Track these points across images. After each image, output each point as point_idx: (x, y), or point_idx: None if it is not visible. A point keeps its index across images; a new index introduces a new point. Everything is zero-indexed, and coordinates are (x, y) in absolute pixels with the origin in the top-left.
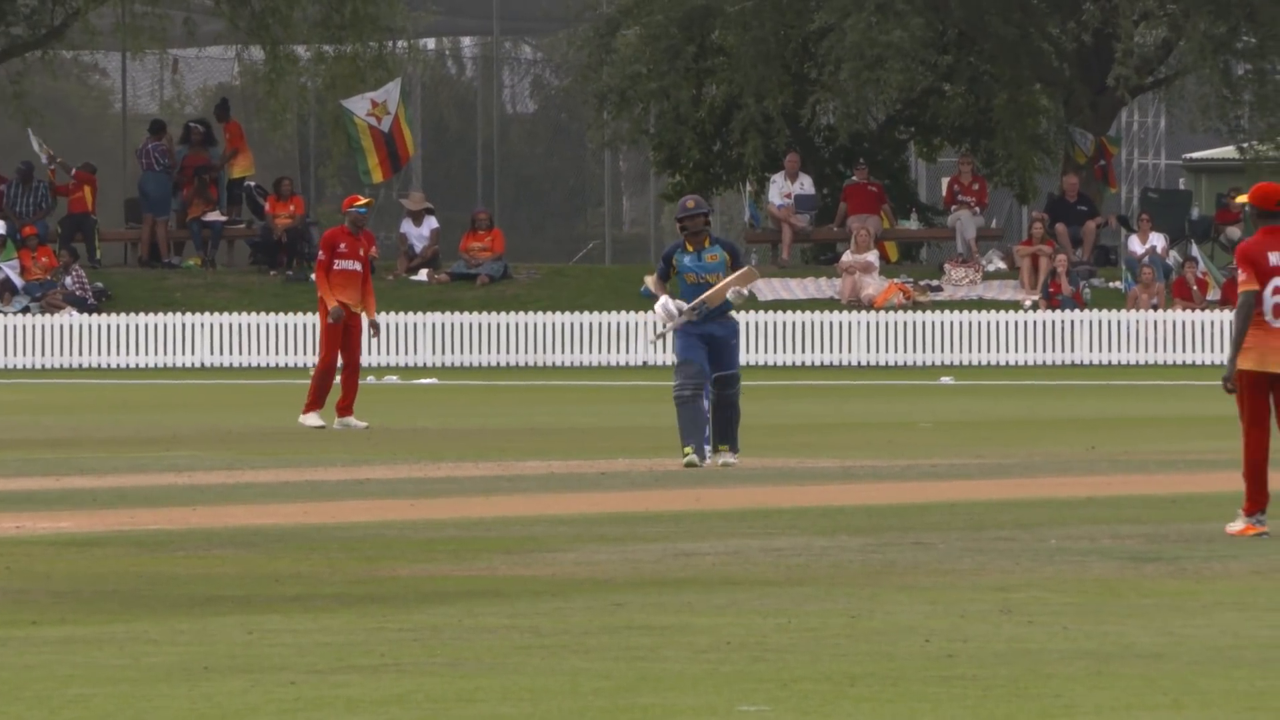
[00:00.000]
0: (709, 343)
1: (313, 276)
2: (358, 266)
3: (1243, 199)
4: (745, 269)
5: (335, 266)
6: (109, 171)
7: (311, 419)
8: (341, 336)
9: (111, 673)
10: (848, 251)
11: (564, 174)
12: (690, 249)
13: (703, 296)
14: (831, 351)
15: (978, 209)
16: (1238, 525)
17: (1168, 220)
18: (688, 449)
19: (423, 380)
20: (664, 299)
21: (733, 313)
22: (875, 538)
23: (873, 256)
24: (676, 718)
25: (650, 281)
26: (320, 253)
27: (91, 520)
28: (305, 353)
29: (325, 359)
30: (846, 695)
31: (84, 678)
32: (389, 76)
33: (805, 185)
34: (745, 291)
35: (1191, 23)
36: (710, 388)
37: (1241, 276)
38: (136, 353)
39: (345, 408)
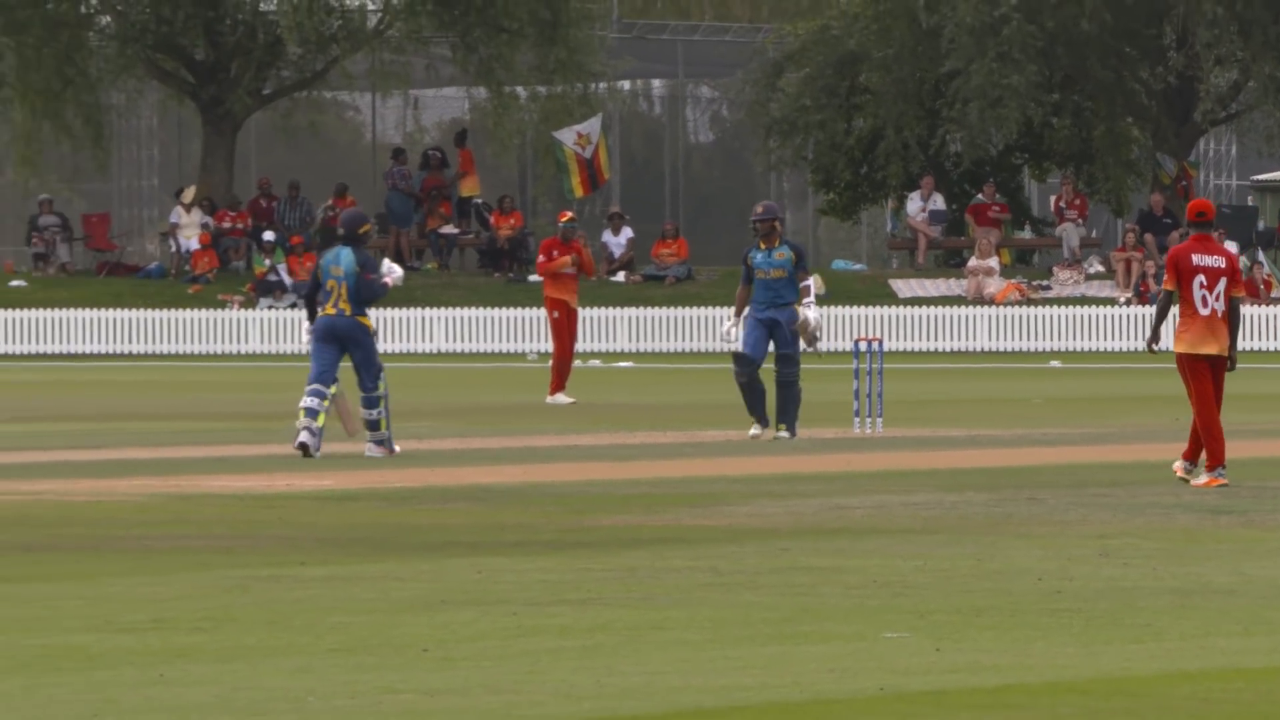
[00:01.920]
0: (770, 326)
1: (530, 277)
2: (571, 269)
3: None
4: (801, 319)
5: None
6: (361, 191)
7: (560, 398)
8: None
9: (365, 604)
10: (973, 257)
11: (737, 192)
12: (763, 247)
13: (805, 333)
14: (959, 340)
15: (1080, 221)
16: (1202, 479)
17: (1238, 231)
18: (754, 421)
19: (620, 364)
20: (726, 326)
21: (802, 308)
22: (995, 494)
23: (993, 261)
24: (832, 642)
25: (738, 292)
26: (540, 255)
27: (348, 479)
28: (524, 341)
29: (559, 348)
30: (973, 624)
31: (342, 609)
32: (591, 112)
33: (937, 202)
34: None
35: (1258, 66)
36: (775, 367)
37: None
38: (385, 340)
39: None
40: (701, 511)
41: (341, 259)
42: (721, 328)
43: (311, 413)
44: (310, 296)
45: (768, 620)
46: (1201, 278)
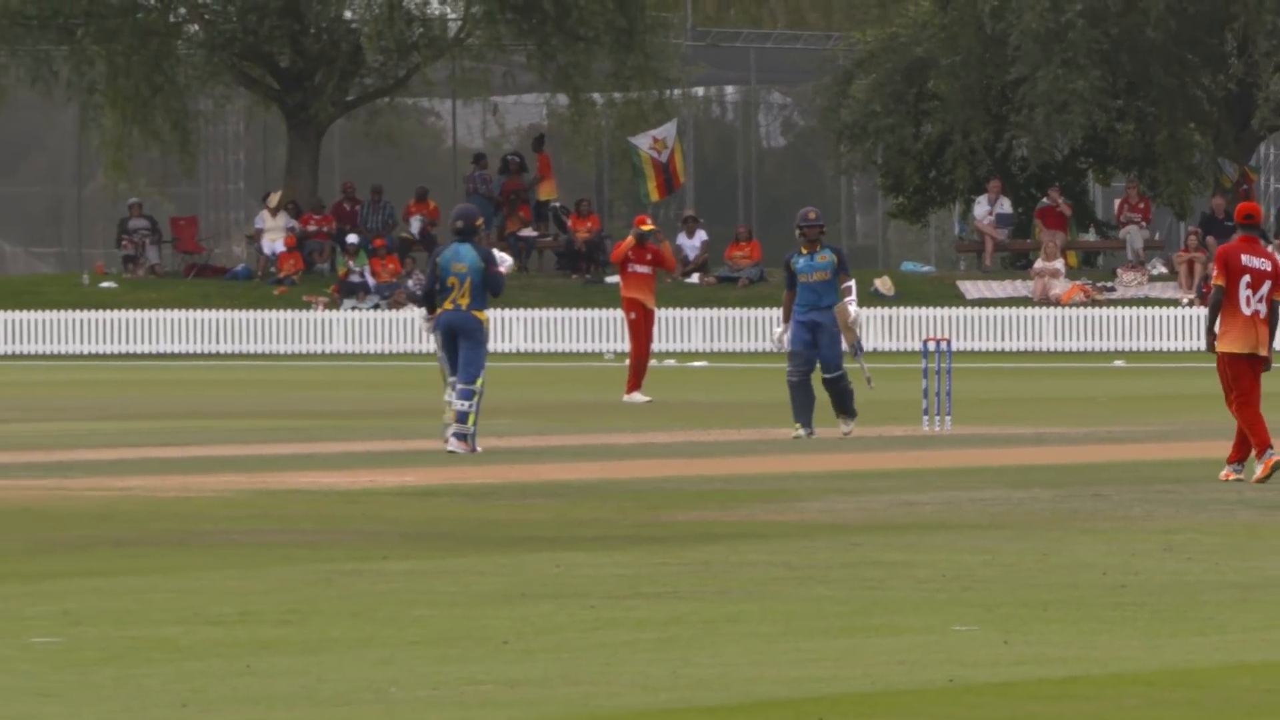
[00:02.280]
0: (813, 330)
1: (608, 278)
2: (647, 270)
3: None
4: (840, 306)
5: (629, 270)
6: (441, 195)
7: (636, 397)
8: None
9: (447, 598)
10: (1039, 259)
11: (808, 196)
12: (805, 252)
13: (846, 327)
14: (1025, 340)
15: (1144, 224)
16: (1257, 469)
17: None
18: (797, 425)
19: (695, 363)
20: (777, 332)
21: (845, 306)
22: (1062, 490)
23: (1059, 263)
24: (902, 635)
25: (785, 299)
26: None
27: (429, 475)
28: (600, 340)
29: (636, 348)
30: (1039, 618)
31: (425, 602)
32: (666, 117)
33: (1004, 205)
34: (852, 315)
35: None
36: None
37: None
38: None
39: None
40: (775, 507)
41: (463, 255)
42: (773, 333)
43: (462, 415)
44: (429, 293)
45: (839, 613)
46: (1248, 278)
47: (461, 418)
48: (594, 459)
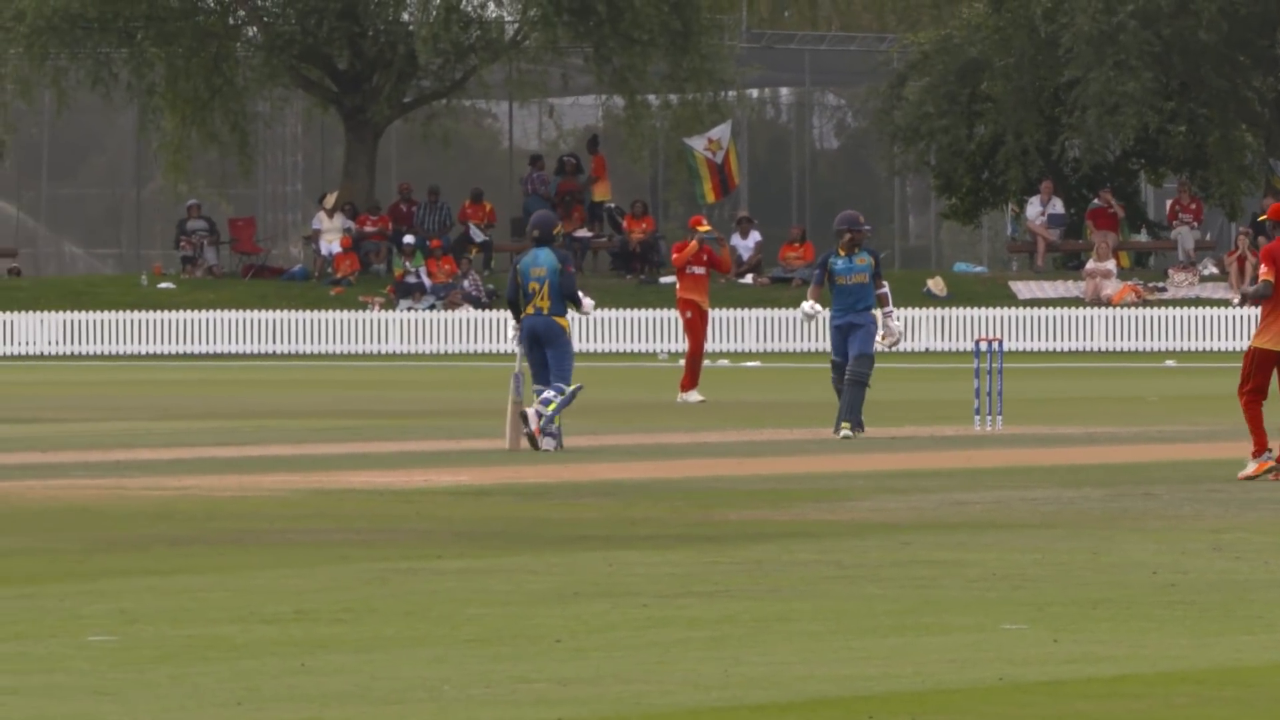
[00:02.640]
0: (847, 331)
1: (662, 279)
2: (703, 271)
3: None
4: (885, 331)
5: (685, 271)
6: (498, 197)
7: (691, 396)
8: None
9: (500, 596)
10: (1092, 259)
11: (861, 197)
12: (843, 254)
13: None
14: (1077, 340)
15: (1195, 225)
16: (1250, 467)
17: None
18: (846, 423)
19: (748, 363)
20: (805, 304)
21: (888, 319)
22: (1112, 489)
23: (1110, 264)
24: (952, 634)
25: (810, 291)
26: (674, 254)
27: (483, 474)
28: (655, 341)
29: (693, 346)
30: (1089, 616)
31: (478, 600)
32: (721, 119)
33: (1056, 206)
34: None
35: None
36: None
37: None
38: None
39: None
40: (826, 506)
41: (541, 259)
42: (804, 306)
43: (548, 415)
44: (514, 301)
45: (890, 612)
46: None
47: (547, 419)
48: (647, 458)
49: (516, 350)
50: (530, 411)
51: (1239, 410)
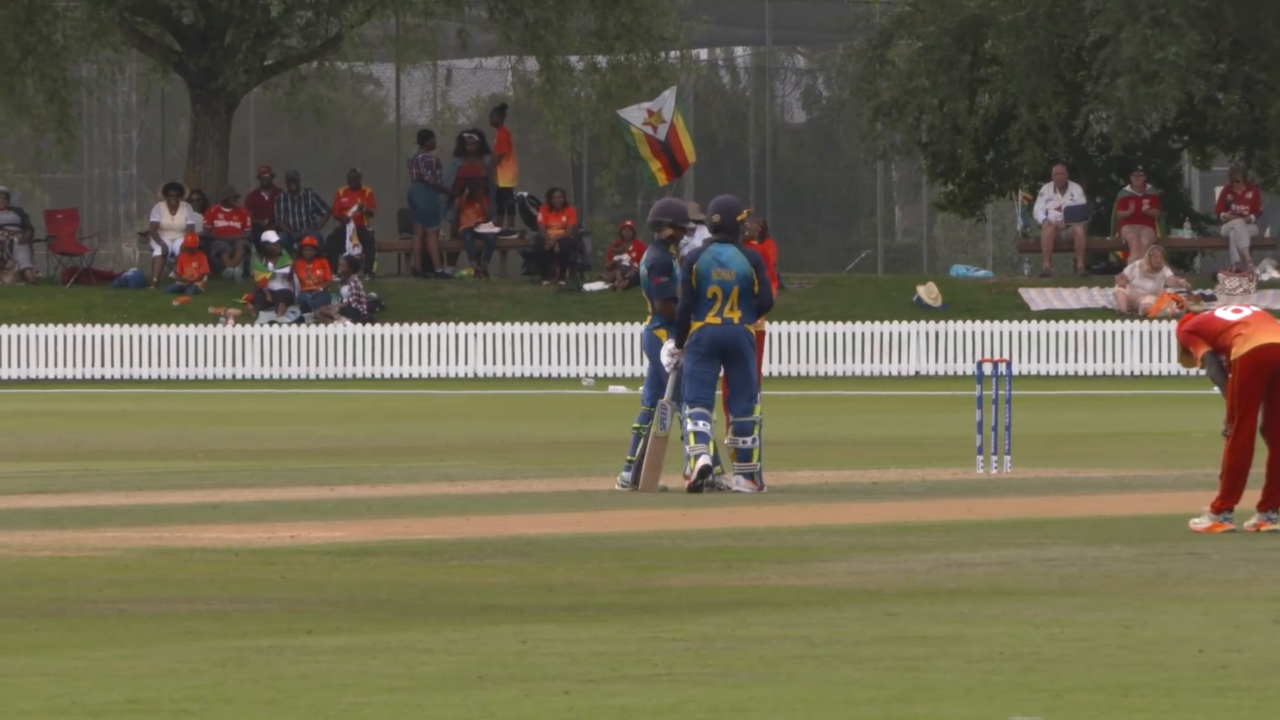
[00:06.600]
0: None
1: (587, 285)
2: None
3: None
4: None
5: None
6: (383, 182)
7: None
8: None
9: (386, 682)
10: (1132, 264)
11: (835, 184)
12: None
13: None
14: (1104, 361)
15: (1252, 217)
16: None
17: None
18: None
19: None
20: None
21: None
22: (1148, 548)
23: (1165, 274)
24: None
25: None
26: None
27: (365, 529)
28: (578, 363)
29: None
30: (1120, 706)
31: (359, 686)
32: (664, 86)
33: (1075, 195)
34: None
35: None
36: None
37: None
38: (409, 363)
39: None
40: (792, 569)
41: (728, 259)
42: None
43: (703, 437)
44: (685, 310)
45: (872, 700)
46: None
47: (744, 456)
48: (569, 509)
49: (670, 373)
50: (704, 459)
51: None
